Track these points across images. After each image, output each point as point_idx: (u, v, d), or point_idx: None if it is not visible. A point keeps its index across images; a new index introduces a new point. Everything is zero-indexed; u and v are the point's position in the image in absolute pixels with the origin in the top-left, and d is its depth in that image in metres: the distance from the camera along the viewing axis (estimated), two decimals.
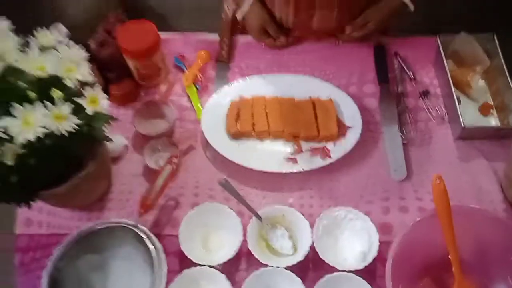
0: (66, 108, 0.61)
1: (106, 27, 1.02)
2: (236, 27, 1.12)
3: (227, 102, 0.97)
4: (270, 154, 0.91)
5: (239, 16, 1.06)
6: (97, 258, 0.81)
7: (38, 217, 0.88)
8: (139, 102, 1.01)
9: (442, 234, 0.73)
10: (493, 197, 0.85)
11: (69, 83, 0.62)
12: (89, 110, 0.63)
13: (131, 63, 0.98)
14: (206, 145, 0.93)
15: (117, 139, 0.93)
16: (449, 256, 0.73)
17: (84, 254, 0.80)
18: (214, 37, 1.10)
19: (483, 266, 0.76)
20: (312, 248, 0.78)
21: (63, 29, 0.71)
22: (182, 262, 0.81)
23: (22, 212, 0.89)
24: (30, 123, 0.59)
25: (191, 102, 1.01)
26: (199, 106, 0.99)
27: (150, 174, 0.90)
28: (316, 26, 1.03)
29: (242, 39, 1.10)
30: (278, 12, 1.04)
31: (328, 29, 1.04)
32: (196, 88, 1.02)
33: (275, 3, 1.02)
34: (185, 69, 1.04)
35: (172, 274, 0.78)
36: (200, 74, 1.03)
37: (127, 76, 1.01)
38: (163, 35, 0.98)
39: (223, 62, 1.06)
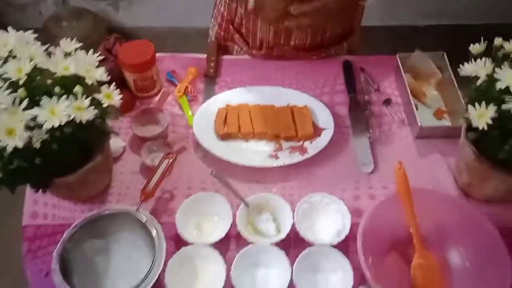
0: (85, 101, 0.72)
1: (107, 46, 1.15)
2: (221, 49, 1.27)
3: (216, 109, 1.09)
4: (254, 152, 1.03)
5: (251, 3, 0.98)
6: (101, 243, 0.89)
7: (44, 210, 0.97)
8: (135, 111, 1.12)
9: (404, 213, 0.86)
10: (448, 185, 0.99)
11: (88, 81, 0.74)
12: (106, 103, 0.74)
13: (129, 76, 1.10)
14: (197, 146, 1.05)
15: (116, 141, 1.04)
16: (411, 230, 0.86)
17: (89, 238, 0.88)
18: (202, 56, 1.24)
19: (439, 240, 0.88)
20: (293, 229, 0.89)
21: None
22: (178, 244, 0.90)
23: (28, 207, 0.97)
24: (55, 112, 0.70)
25: (182, 110, 1.13)
26: (190, 113, 1.11)
27: (147, 171, 1.01)
28: (293, 45, 1.18)
29: (226, 58, 1.25)
30: (260, 33, 1.18)
31: (303, 47, 1.19)
32: (187, 98, 1.14)
33: (257, 27, 1.17)
34: (177, 83, 1.17)
35: (169, 255, 0.87)
36: (190, 87, 1.15)
37: (125, 89, 1.13)
38: (157, 54, 1.11)
39: (211, 77, 1.19)
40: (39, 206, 0.97)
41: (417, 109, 1.09)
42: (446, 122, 1.08)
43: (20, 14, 2.43)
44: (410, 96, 1.07)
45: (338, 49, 1.22)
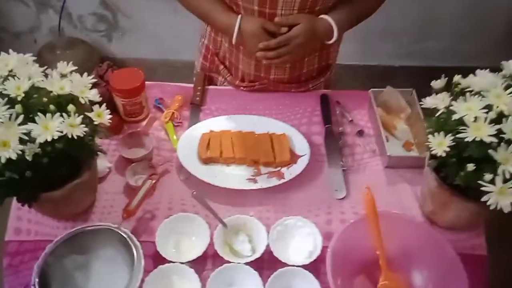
0: (78, 119, 0.78)
1: (99, 72, 1.22)
2: (208, 79, 1.35)
3: (199, 134, 1.15)
4: (234, 176, 1.08)
5: (234, 40, 1.13)
6: (81, 258, 0.93)
7: (27, 226, 1.00)
8: (122, 134, 1.18)
9: (372, 235, 0.92)
10: (414, 212, 1.05)
11: (81, 100, 0.80)
12: (96, 121, 0.80)
13: (119, 101, 1.16)
14: (180, 169, 1.10)
15: (102, 162, 1.09)
16: (377, 252, 0.91)
17: (70, 254, 0.92)
18: (189, 85, 1.32)
19: (405, 262, 0.93)
20: (268, 249, 0.94)
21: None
22: (156, 263, 0.94)
23: (12, 222, 1.01)
24: (49, 128, 0.75)
25: (168, 135, 1.19)
26: (175, 138, 1.17)
27: (131, 191, 1.05)
28: (273, 78, 1.27)
29: (212, 88, 1.32)
30: (241, 66, 1.26)
31: (282, 80, 1.27)
32: (173, 124, 1.21)
33: (239, 61, 1.26)
34: (164, 109, 1.24)
35: (147, 273, 0.90)
36: (177, 113, 1.22)
37: (114, 113, 1.19)
38: (146, 82, 1.18)
39: (196, 105, 1.26)
40: (23, 223, 1.01)
41: (387, 141, 1.16)
42: (414, 153, 1.16)
43: (16, 42, 2.51)
44: (381, 128, 1.15)
45: (316, 84, 1.31)
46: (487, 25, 2.44)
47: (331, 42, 1.14)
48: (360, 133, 1.20)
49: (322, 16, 1.11)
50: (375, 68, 2.60)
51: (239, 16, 1.10)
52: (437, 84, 0.90)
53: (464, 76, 0.91)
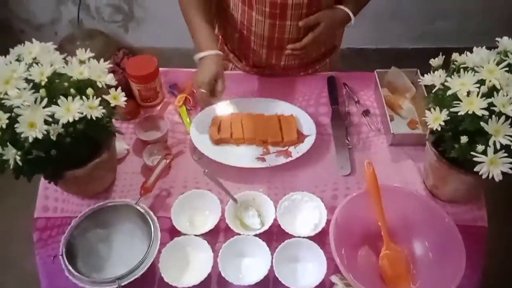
0: (96, 101, 0.85)
1: (116, 60, 1.29)
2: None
3: (211, 117, 1.21)
4: (244, 155, 1.14)
5: (196, 57, 1.16)
6: (103, 232, 1.00)
7: (54, 204, 1.08)
8: (139, 118, 1.25)
9: (373, 208, 0.97)
10: (417, 187, 1.09)
11: (99, 84, 0.87)
12: (113, 103, 0.87)
13: (135, 87, 1.23)
14: (193, 149, 1.16)
15: (121, 144, 1.16)
16: (379, 223, 0.96)
17: (94, 228, 1.00)
18: None
19: (406, 233, 0.98)
20: (276, 222, 1.00)
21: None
22: (172, 236, 1.01)
23: (40, 201, 1.09)
24: (70, 110, 0.82)
25: (181, 119, 1.25)
26: (188, 121, 1.23)
27: (147, 171, 1.12)
28: (283, 65, 1.31)
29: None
30: (252, 55, 1.31)
31: (292, 66, 1.32)
32: (186, 108, 1.27)
33: (250, 50, 1.30)
34: (177, 94, 1.30)
35: (163, 245, 0.97)
36: (189, 98, 1.28)
37: (131, 98, 1.26)
38: (160, 69, 1.24)
39: None
40: (50, 201, 1.09)
41: (393, 120, 1.20)
42: (419, 131, 1.19)
43: (37, 34, 2.60)
44: (386, 108, 1.18)
45: (322, 64, 1.36)
46: (497, 4, 2.42)
47: (348, 26, 1.23)
48: (366, 113, 1.24)
49: (338, 6, 1.19)
50: (387, 51, 2.61)
51: (204, 55, 1.14)
52: (435, 62, 0.93)
53: None
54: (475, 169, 0.80)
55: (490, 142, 0.77)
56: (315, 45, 1.22)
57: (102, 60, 0.92)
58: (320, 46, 1.29)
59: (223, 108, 1.23)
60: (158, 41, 2.58)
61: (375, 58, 2.58)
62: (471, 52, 0.92)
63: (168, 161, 1.08)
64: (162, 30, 2.56)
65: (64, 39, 2.49)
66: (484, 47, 0.90)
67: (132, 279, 0.90)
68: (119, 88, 0.91)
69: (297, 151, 1.13)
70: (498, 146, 0.77)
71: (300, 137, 1.16)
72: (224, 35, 1.34)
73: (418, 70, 1.26)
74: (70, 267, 0.91)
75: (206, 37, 1.16)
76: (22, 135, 0.78)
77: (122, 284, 0.89)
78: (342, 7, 1.19)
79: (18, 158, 0.80)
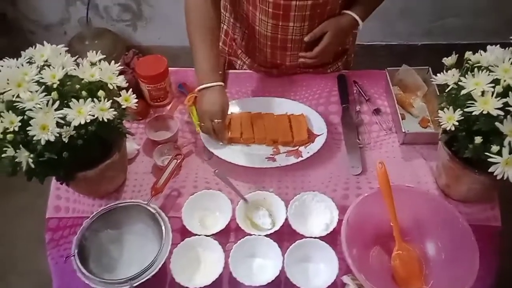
0: (107, 104, 0.85)
1: (126, 60, 1.29)
2: (228, 64, 1.40)
3: None
4: (254, 155, 1.14)
5: (200, 87, 1.12)
6: (115, 232, 1.01)
7: (66, 204, 1.09)
8: (149, 118, 1.25)
9: (386, 208, 0.96)
10: (429, 186, 1.08)
11: (110, 86, 0.87)
12: (124, 105, 0.87)
13: (145, 87, 1.23)
14: (204, 149, 1.16)
15: (131, 144, 1.16)
16: (391, 224, 0.95)
17: (105, 228, 1.00)
18: None
19: (418, 233, 0.97)
20: (286, 222, 1.00)
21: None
22: (183, 236, 1.01)
23: (52, 201, 1.10)
24: (82, 112, 0.83)
25: (191, 118, 1.25)
26: (198, 121, 1.23)
27: (158, 171, 1.13)
28: (288, 64, 1.30)
29: (232, 72, 1.37)
30: (258, 53, 1.29)
31: (298, 65, 1.30)
32: (196, 107, 1.26)
33: (255, 49, 1.29)
34: (187, 94, 1.30)
35: (174, 246, 0.97)
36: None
37: (141, 98, 1.26)
38: (169, 69, 1.24)
39: None
40: (62, 201, 1.10)
41: (404, 119, 1.19)
42: (431, 130, 1.18)
43: (47, 34, 2.62)
44: (397, 106, 1.17)
45: (334, 68, 1.35)
46: (507, 1, 2.38)
47: (357, 31, 1.22)
48: (377, 111, 1.23)
49: (345, 12, 1.18)
50: (395, 47, 2.58)
51: (211, 85, 1.11)
52: (448, 61, 0.92)
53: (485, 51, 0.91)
54: (489, 170, 0.79)
55: (505, 143, 0.76)
56: (326, 54, 1.22)
57: (113, 62, 0.92)
58: (331, 54, 1.29)
59: (233, 107, 1.23)
60: (167, 40, 2.59)
61: (384, 54, 2.56)
62: (482, 48, 0.90)
63: (178, 161, 1.08)
64: (170, 28, 2.56)
65: (73, 38, 2.50)
66: (498, 45, 0.88)
67: (144, 279, 0.90)
68: (130, 89, 0.91)
69: (307, 151, 1.13)
70: None
71: (311, 137, 1.15)
72: (234, 29, 1.34)
73: (430, 68, 1.24)
74: (82, 268, 0.91)
75: (212, 68, 1.12)
76: (35, 138, 0.79)
77: (134, 284, 0.89)
78: (349, 12, 1.17)
79: (30, 160, 0.80)
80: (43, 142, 0.79)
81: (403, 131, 1.12)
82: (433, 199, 0.99)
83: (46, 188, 1.10)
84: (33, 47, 0.91)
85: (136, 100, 0.91)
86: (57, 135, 0.80)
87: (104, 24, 2.57)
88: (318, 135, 1.16)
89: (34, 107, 0.80)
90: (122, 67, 1.23)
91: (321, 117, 1.19)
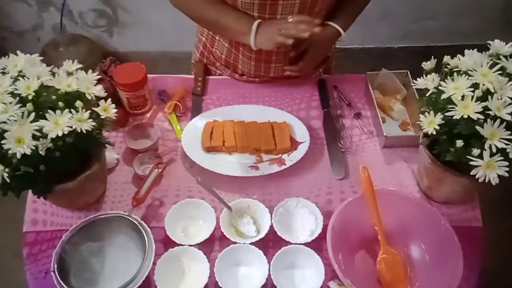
0: (85, 114, 0.83)
1: (103, 68, 1.26)
2: (207, 70, 1.38)
3: (203, 124, 1.20)
4: (237, 164, 1.13)
5: (253, 46, 1.13)
6: (96, 245, 0.98)
7: (43, 217, 1.05)
8: (128, 127, 1.22)
9: (370, 212, 0.96)
10: (411, 189, 1.09)
11: (88, 96, 0.85)
12: (103, 115, 0.85)
13: (123, 95, 1.21)
14: (185, 158, 1.15)
15: (111, 154, 1.14)
16: (375, 228, 0.96)
17: (85, 241, 0.97)
18: (190, 77, 1.35)
19: (402, 236, 0.98)
20: (271, 229, 0.99)
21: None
22: (166, 247, 0.99)
23: (29, 214, 1.06)
24: (59, 124, 0.80)
25: (172, 126, 1.23)
26: (179, 128, 1.22)
27: (139, 181, 1.10)
28: (272, 76, 1.30)
29: (212, 78, 1.36)
30: (241, 66, 1.29)
31: (282, 76, 1.30)
32: (176, 115, 1.25)
33: (238, 61, 1.29)
34: (167, 101, 1.28)
35: (158, 257, 0.96)
36: (179, 104, 1.26)
37: (119, 106, 1.23)
38: (148, 75, 1.22)
39: (198, 95, 1.30)
40: (39, 214, 1.06)
41: (384, 122, 1.20)
42: (411, 133, 1.20)
43: (20, 41, 2.55)
44: (377, 110, 1.18)
45: (315, 74, 1.36)
46: (484, 3, 2.45)
47: (339, 40, 1.23)
48: (358, 115, 1.24)
49: (328, 22, 1.17)
50: (374, 50, 2.62)
51: (256, 22, 1.10)
52: (427, 65, 0.93)
53: (462, 54, 0.93)
54: (471, 173, 0.80)
55: (486, 146, 0.77)
56: (311, 65, 1.26)
57: (90, 71, 0.90)
58: (315, 64, 1.30)
59: (215, 115, 1.22)
60: (144, 45, 2.55)
61: (362, 57, 2.59)
62: (460, 50, 0.91)
63: (160, 170, 1.06)
64: (147, 34, 2.53)
65: (47, 45, 2.44)
66: (475, 49, 0.90)
67: None
68: (109, 99, 0.89)
69: (290, 159, 1.12)
70: (494, 150, 0.77)
71: (294, 144, 1.15)
72: (212, 42, 1.32)
73: (409, 72, 1.26)
74: (62, 283, 0.89)
75: (246, 14, 1.12)
76: (10, 151, 0.76)
77: None
78: (331, 23, 1.17)
79: (6, 175, 0.77)
80: (18, 156, 0.76)
81: (384, 134, 1.13)
82: (416, 202, 1.00)
83: (25, 199, 1.07)
84: (6, 56, 0.88)
85: (116, 109, 0.89)
86: (34, 148, 0.77)
87: (79, 30, 2.52)
88: (301, 143, 1.15)
89: (8, 119, 0.77)
90: (100, 75, 1.20)
91: (303, 124, 1.18)
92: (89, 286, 0.93)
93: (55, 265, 0.91)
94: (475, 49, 0.90)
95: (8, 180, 0.79)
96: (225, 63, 1.33)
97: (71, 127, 0.81)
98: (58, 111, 0.81)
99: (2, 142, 0.76)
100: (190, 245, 0.97)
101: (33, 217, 1.06)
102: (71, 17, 2.47)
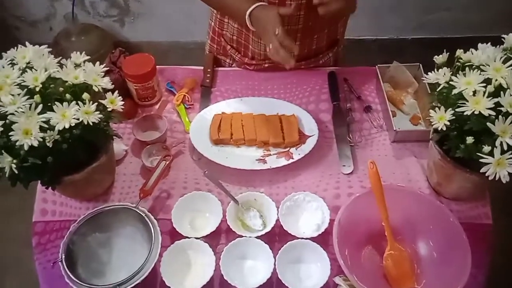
0: (92, 106, 0.83)
1: (112, 59, 1.26)
2: (217, 61, 1.37)
3: (211, 117, 1.19)
4: (244, 157, 1.12)
5: (250, 27, 1.10)
6: (103, 236, 0.99)
7: (52, 208, 1.07)
8: (137, 118, 1.23)
9: (377, 207, 0.95)
10: (421, 184, 1.08)
11: (95, 88, 0.85)
12: (110, 107, 0.85)
13: (132, 86, 1.21)
14: (193, 150, 1.15)
15: (119, 145, 1.14)
16: (383, 223, 0.95)
17: (93, 232, 0.98)
18: (199, 68, 1.35)
19: (410, 233, 0.97)
20: (278, 223, 0.99)
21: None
22: (173, 239, 0.99)
23: (38, 205, 1.07)
24: (66, 116, 0.80)
25: (180, 118, 1.23)
26: (187, 120, 1.21)
27: (147, 172, 1.10)
28: None
29: (221, 70, 1.35)
30: (252, 46, 1.28)
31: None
32: (185, 106, 1.25)
33: (249, 41, 1.28)
34: (176, 92, 1.28)
35: (164, 248, 0.96)
36: (188, 96, 1.26)
37: (128, 97, 1.24)
38: (157, 67, 1.22)
39: (207, 87, 1.30)
40: (48, 204, 1.07)
41: (395, 116, 1.19)
42: (422, 127, 1.18)
43: (32, 30, 2.57)
44: (388, 104, 1.16)
45: (325, 59, 1.33)
46: None
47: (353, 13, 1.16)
48: (368, 109, 1.22)
49: None
50: (386, 42, 2.58)
51: (255, 4, 1.08)
52: (439, 59, 0.91)
53: (475, 46, 0.91)
54: (481, 170, 0.78)
55: (497, 143, 0.75)
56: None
57: (97, 63, 0.90)
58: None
59: (223, 107, 1.21)
60: (155, 35, 2.55)
61: (375, 48, 2.55)
62: (472, 42, 0.89)
63: (168, 162, 1.06)
64: (158, 24, 2.53)
65: (59, 34, 2.45)
66: (489, 43, 0.87)
67: (133, 284, 0.89)
68: (116, 91, 0.88)
69: (298, 153, 1.11)
70: (505, 147, 0.75)
71: (302, 138, 1.14)
72: (221, 25, 1.31)
73: (421, 65, 1.23)
74: (70, 273, 0.90)
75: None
76: (18, 143, 0.76)
77: None
78: None
79: (14, 166, 0.78)
80: (26, 147, 0.77)
81: (394, 129, 1.11)
82: (425, 198, 0.98)
83: (35, 189, 1.08)
84: (15, 48, 0.88)
85: (122, 102, 0.89)
86: (41, 139, 0.78)
87: (90, 19, 2.53)
88: (309, 136, 1.14)
89: (16, 111, 0.77)
90: (109, 66, 1.21)
91: (312, 118, 1.17)
92: (96, 276, 0.94)
93: (63, 255, 0.92)
94: (489, 43, 0.88)
95: (16, 171, 0.79)
96: (237, 44, 1.31)
97: (78, 119, 0.81)
98: (65, 103, 0.81)
99: (10, 133, 0.77)
100: (196, 238, 0.97)
101: (42, 207, 1.07)
102: (83, 7, 2.47)
